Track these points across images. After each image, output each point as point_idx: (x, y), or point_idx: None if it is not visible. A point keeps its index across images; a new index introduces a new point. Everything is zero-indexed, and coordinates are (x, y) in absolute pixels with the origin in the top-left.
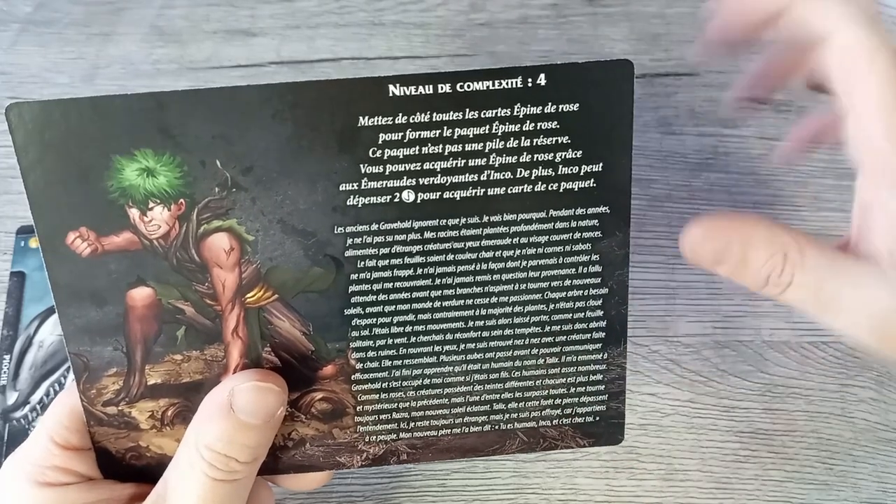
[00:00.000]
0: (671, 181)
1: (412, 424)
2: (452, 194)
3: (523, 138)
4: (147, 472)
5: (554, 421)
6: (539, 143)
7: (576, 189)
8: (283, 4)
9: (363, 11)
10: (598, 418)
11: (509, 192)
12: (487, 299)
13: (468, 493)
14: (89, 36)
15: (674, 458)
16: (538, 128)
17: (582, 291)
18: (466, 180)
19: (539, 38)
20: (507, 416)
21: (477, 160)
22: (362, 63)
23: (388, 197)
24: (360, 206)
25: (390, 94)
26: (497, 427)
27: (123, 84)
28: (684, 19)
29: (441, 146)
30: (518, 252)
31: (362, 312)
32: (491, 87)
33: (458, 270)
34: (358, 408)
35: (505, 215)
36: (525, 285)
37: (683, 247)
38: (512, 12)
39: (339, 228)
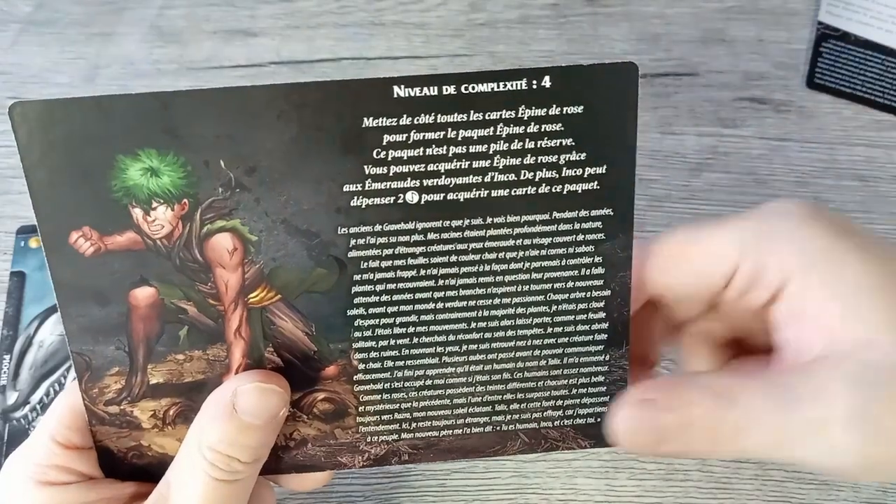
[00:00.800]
0: (671, 181)
1: (414, 425)
2: (456, 196)
3: (527, 140)
4: (149, 471)
5: (555, 422)
6: (543, 145)
7: (579, 191)
8: (283, 4)
9: (363, 11)
10: (599, 419)
11: (513, 193)
12: (490, 300)
13: (468, 493)
14: (89, 36)
15: (674, 458)
16: (542, 130)
17: (584, 293)
18: (470, 182)
19: (539, 38)
20: (508, 416)
21: (481, 162)
22: (362, 63)
23: (392, 198)
24: (363, 207)
25: (395, 96)
26: (498, 428)
27: (123, 84)
28: (684, 19)
29: (445, 148)
30: (521, 254)
31: (365, 313)
32: (495, 89)
33: (461, 272)
34: (360, 408)
35: (508, 217)
36: (528, 287)
37: (616, 437)
38: (512, 12)
39: (343, 229)
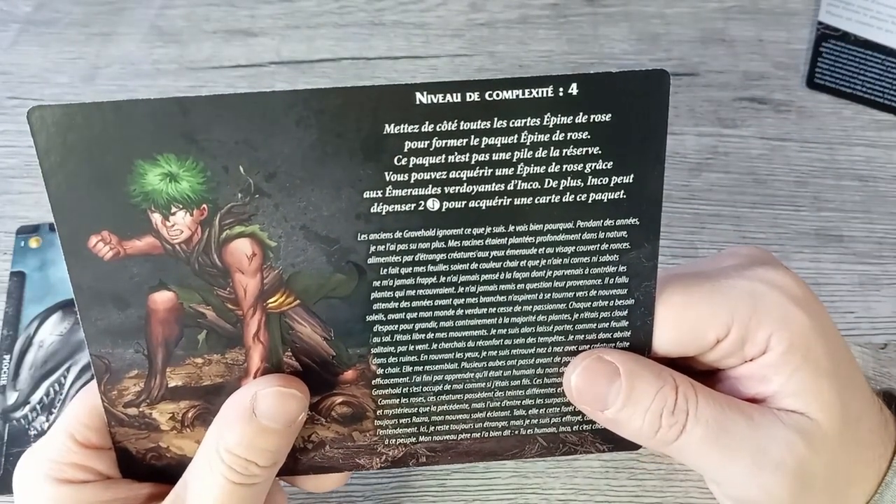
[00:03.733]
0: (671, 181)
1: (432, 429)
2: (478, 203)
3: (552, 148)
4: (166, 472)
5: (574, 427)
6: (569, 154)
7: (605, 200)
8: (283, 4)
9: (363, 11)
10: None
11: (536, 202)
12: (511, 308)
13: (468, 493)
14: (89, 36)
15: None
16: (568, 138)
17: (607, 302)
18: (493, 190)
19: (539, 38)
20: (527, 421)
21: (504, 170)
22: (362, 63)
23: (413, 205)
24: (384, 213)
25: (417, 102)
26: (517, 432)
27: (123, 84)
28: (684, 19)
29: (468, 155)
30: (543, 262)
31: (384, 319)
32: (520, 96)
33: (481, 279)
34: (378, 412)
35: (531, 225)
36: (549, 295)
37: (568, 388)
38: (512, 12)
39: (363, 236)
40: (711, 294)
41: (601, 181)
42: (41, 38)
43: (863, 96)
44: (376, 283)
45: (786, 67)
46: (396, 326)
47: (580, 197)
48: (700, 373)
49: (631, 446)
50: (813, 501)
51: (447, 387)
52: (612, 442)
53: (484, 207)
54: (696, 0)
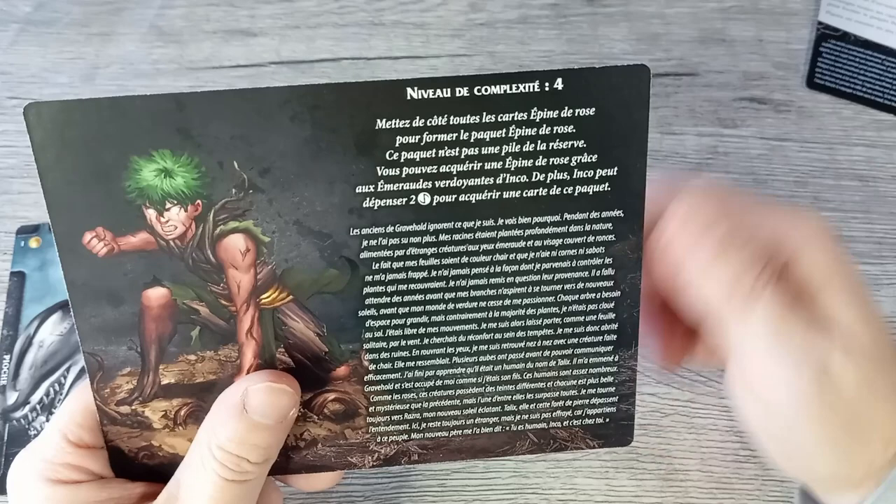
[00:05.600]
0: None
1: (424, 425)
2: (468, 197)
3: (539, 142)
4: (159, 471)
5: (564, 422)
6: (555, 147)
7: (590, 193)
8: (283, 4)
9: (363, 11)
10: (608, 420)
11: (525, 195)
12: (501, 301)
13: (468, 493)
14: (89, 36)
15: (674, 458)
16: (554, 132)
17: (595, 294)
18: (482, 183)
19: (539, 38)
20: (518, 417)
21: (493, 163)
22: (362, 63)
23: (405, 199)
24: (376, 208)
25: (408, 98)
26: (508, 428)
27: (123, 84)
28: (684, 19)
29: (458, 149)
30: (532, 255)
31: (376, 314)
32: (508, 91)
33: (472, 273)
34: (370, 409)
35: (520, 218)
36: (538, 288)
37: (669, 222)
38: (512, 12)
39: (355, 230)
40: (744, 203)
41: (586, 174)
42: (40, 38)
43: (863, 96)
44: (368, 278)
45: (786, 67)
46: (388, 321)
47: (566, 190)
48: None
49: (621, 441)
50: (834, 419)
51: (438, 382)
52: (602, 438)
53: (474, 201)
54: (695, 0)
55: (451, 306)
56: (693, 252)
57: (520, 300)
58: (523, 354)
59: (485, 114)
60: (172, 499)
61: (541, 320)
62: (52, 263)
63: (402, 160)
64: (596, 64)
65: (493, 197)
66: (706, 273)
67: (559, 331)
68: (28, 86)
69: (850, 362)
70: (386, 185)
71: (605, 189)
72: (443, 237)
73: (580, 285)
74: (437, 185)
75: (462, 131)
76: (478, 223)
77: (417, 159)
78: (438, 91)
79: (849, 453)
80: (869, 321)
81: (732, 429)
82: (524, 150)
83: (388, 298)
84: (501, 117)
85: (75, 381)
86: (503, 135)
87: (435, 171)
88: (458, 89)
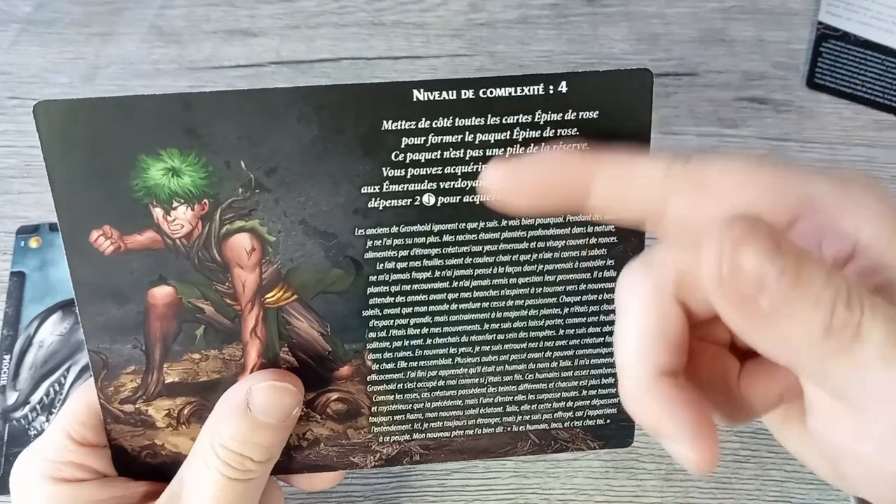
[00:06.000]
0: None
1: (426, 425)
2: (472, 198)
3: (543, 145)
4: (162, 470)
5: (565, 423)
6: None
7: None
8: (283, 4)
9: (363, 11)
10: (608, 421)
11: None
12: (503, 302)
13: (468, 493)
14: (89, 36)
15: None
16: (558, 134)
17: (597, 296)
18: None
19: (539, 38)
20: (519, 417)
21: None
22: (362, 63)
23: (409, 200)
24: (381, 208)
25: (414, 99)
26: (509, 429)
27: (123, 84)
28: (684, 19)
29: (462, 151)
30: (535, 256)
31: (380, 314)
32: (513, 94)
33: (475, 273)
34: (373, 408)
35: (523, 220)
36: (541, 289)
37: (711, 275)
38: (512, 12)
39: (360, 230)
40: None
41: None
42: (41, 38)
43: (863, 96)
44: (373, 278)
45: (786, 67)
46: (392, 321)
47: None
48: None
49: (621, 442)
50: None
51: (441, 382)
52: (603, 439)
53: (478, 202)
54: (696, 0)
55: (454, 307)
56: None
57: (522, 301)
58: (525, 355)
59: (489, 116)
60: (175, 497)
61: (543, 321)
62: (52, 263)
63: (407, 161)
64: (597, 65)
65: None
66: (783, 317)
67: (561, 332)
68: (28, 86)
69: None
70: (391, 186)
71: None
72: (446, 238)
73: (582, 287)
74: (441, 186)
75: (467, 133)
76: (481, 224)
77: (422, 160)
78: (444, 93)
79: None
80: None
81: (732, 429)
82: (528, 152)
83: (392, 298)
84: (506, 119)
85: (75, 381)
86: (507, 137)
87: (439, 172)
88: (463, 91)
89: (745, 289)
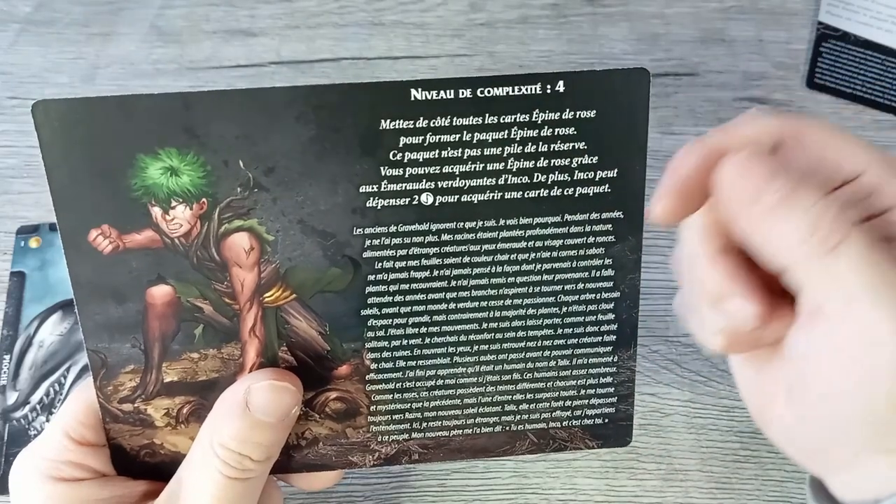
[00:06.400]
0: None
1: (425, 424)
2: (470, 198)
3: (541, 143)
4: (161, 469)
5: (564, 422)
6: (556, 149)
7: (591, 194)
8: (283, 4)
9: (363, 11)
10: (607, 420)
11: (526, 196)
12: (501, 301)
13: (468, 493)
14: (89, 36)
15: (674, 458)
16: (556, 133)
17: (594, 295)
18: (484, 184)
19: (539, 38)
20: (518, 417)
21: (495, 164)
22: (362, 63)
23: (407, 199)
24: (379, 207)
25: (412, 98)
26: (508, 428)
27: (123, 84)
28: (684, 19)
29: (460, 150)
30: (533, 255)
31: (378, 313)
32: (511, 93)
33: (473, 273)
34: (371, 407)
35: (521, 219)
36: (539, 288)
37: (718, 180)
38: (512, 12)
39: (358, 230)
40: (850, 136)
41: (587, 175)
42: (41, 38)
43: (863, 96)
44: (371, 277)
45: (786, 67)
46: (390, 321)
47: (567, 191)
48: None
49: (620, 442)
50: None
51: (439, 382)
52: (602, 438)
53: (476, 202)
54: (696, 0)
55: (452, 306)
56: (758, 197)
57: (520, 300)
58: (523, 354)
59: (487, 115)
60: (174, 497)
61: (541, 320)
62: (52, 263)
63: (405, 160)
64: (597, 65)
65: (495, 197)
66: (775, 215)
67: (559, 331)
68: (28, 86)
69: None
70: (389, 185)
71: (606, 190)
72: (445, 237)
73: (580, 286)
74: (439, 186)
75: (465, 132)
76: (479, 223)
77: (420, 160)
78: (442, 92)
79: None
80: None
81: (732, 429)
82: (526, 151)
83: (391, 298)
84: (504, 119)
85: (75, 381)
86: (505, 136)
87: (438, 171)
88: (461, 91)
89: (749, 191)
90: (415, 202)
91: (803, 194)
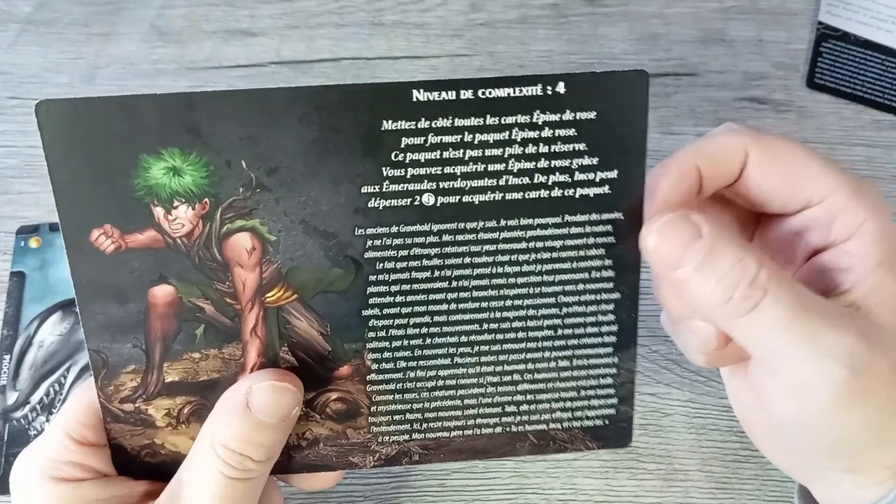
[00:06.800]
0: None
1: (425, 425)
2: (471, 198)
3: (542, 144)
4: (161, 469)
5: (564, 424)
6: (557, 150)
7: (591, 195)
8: (283, 4)
9: (363, 11)
10: (607, 422)
11: (526, 196)
12: (502, 302)
13: (468, 493)
14: (89, 36)
15: (674, 458)
16: (556, 135)
17: (595, 296)
18: (485, 185)
19: (539, 38)
20: (518, 418)
21: (496, 165)
22: (362, 63)
23: (409, 200)
24: (381, 208)
25: (414, 99)
26: (508, 429)
27: (123, 84)
28: (684, 19)
29: (462, 151)
30: (533, 256)
31: (379, 313)
32: (512, 95)
33: (474, 273)
34: (372, 408)
35: (522, 220)
36: (539, 289)
37: (644, 242)
38: (512, 12)
39: (360, 230)
40: (823, 159)
41: (587, 176)
42: (41, 38)
43: (863, 96)
44: (372, 278)
45: (786, 67)
46: (391, 321)
47: (567, 192)
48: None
49: (620, 443)
50: (872, 405)
51: (440, 382)
52: (602, 440)
53: (477, 202)
54: (696, 0)
55: (453, 306)
56: (678, 262)
57: (521, 301)
58: (524, 355)
59: (488, 116)
60: (175, 497)
61: (541, 321)
62: (52, 263)
63: (406, 161)
64: (597, 65)
65: (496, 198)
66: (695, 280)
67: (559, 332)
68: (28, 86)
69: (880, 352)
70: (391, 186)
71: (606, 191)
72: (446, 238)
73: (580, 287)
74: (440, 186)
75: (466, 133)
76: (480, 224)
77: (422, 160)
78: (443, 93)
79: (883, 444)
80: None
81: (732, 429)
82: (526, 152)
83: (392, 298)
84: (504, 120)
85: (75, 381)
86: (506, 137)
87: (439, 172)
88: (462, 92)
89: (670, 257)
90: (416, 203)
91: (721, 258)
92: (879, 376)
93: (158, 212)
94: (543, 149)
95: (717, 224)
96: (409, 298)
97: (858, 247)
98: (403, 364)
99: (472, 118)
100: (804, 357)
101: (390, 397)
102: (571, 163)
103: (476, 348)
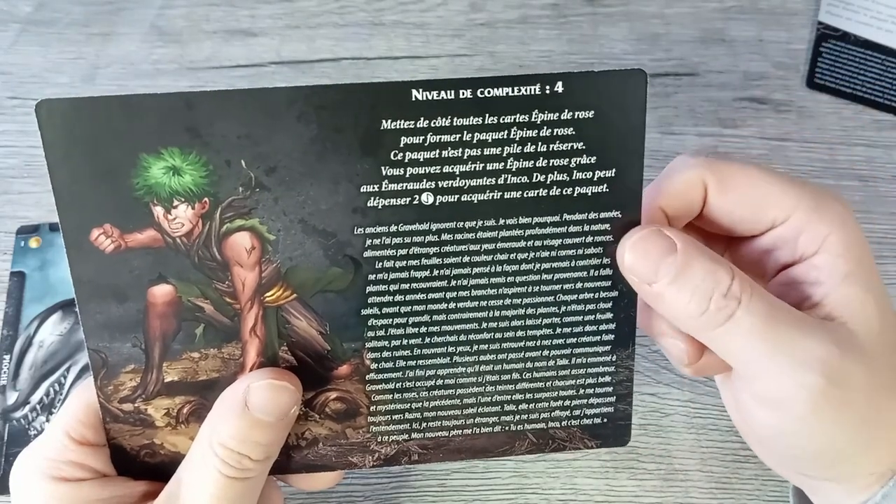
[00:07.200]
0: None
1: (424, 425)
2: (470, 197)
3: (540, 143)
4: (160, 469)
5: (563, 422)
6: (555, 149)
7: (589, 194)
8: (283, 4)
9: (363, 11)
10: (605, 420)
11: (525, 195)
12: (501, 301)
13: (468, 493)
14: (89, 36)
15: (674, 458)
16: (554, 134)
17: (593, 294)
18: (484, 184)
19: (539, 38)
20: (517, 417)
21: (495, 164)
22: (362, 63)
23: (408, 199)
24: (380, 207)
25: (413, 99)
26: (507, 428)
27: (123, 84)
28: (684, 19)
29: (460, 150)
30: (532, 255)
31: (379, 313)
32: (510, 94)
33: (473, 272)
34: (371, 408)
35: (520, 218)
36: (538, 287)
37: (620, 257)
38: (512, 12)
39: (359, 229)
40: (782, 178)
41: (585, 175)
42: (41, 38)
43: (863, 96)
44: (371, 277)
45: (786, 67)
46: (391, 320)
47: (566, 191)
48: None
49: (618, 442)
50: (850, 414)
51: (439, 382)
52: (601, 438)
53: (476, 201)
54: (696, 0)
55: (452, 305)
56: (653, 276)
57: (520, 300)
58: (523, 354)
59: (487, 115)
60: (174, 496)
61: (540, 320)
62: (52, 263)
63: (405, 160)
64: (597, 65)
65: (495, 197)
66: (669, 293)
67: (558, 330)
68: (29, 86)
69: (854, 361)
70: (390, 185)
71: (604, 190)
72: (445, 237)
73: (579, 285)
74: (439, 185)
75: (465, 132)
76: (479, 223)
77: (421, 159)
78: (442, 93)
79: (864, 451)
80: (884, 316)
81: (732, 429)
82: (525, 151)
83: (391, 297)
84: (503, 119)
85: (75, 381)
86: (505, 136)
87: (438, 171)
88: (461, 91)
89: (644, 271)
90: (415, 202)
91: (694, 271)
92: (855, 384)
93: (158, 211)
94: (542, 148)
95: (689, 238)
96: (408, 297)
97: (825, 260)
98: (402, 363)
99: (471, 117)
100: (780, 366)
101: (389, 397)
102: (570, 162)
103: (475, 347)
